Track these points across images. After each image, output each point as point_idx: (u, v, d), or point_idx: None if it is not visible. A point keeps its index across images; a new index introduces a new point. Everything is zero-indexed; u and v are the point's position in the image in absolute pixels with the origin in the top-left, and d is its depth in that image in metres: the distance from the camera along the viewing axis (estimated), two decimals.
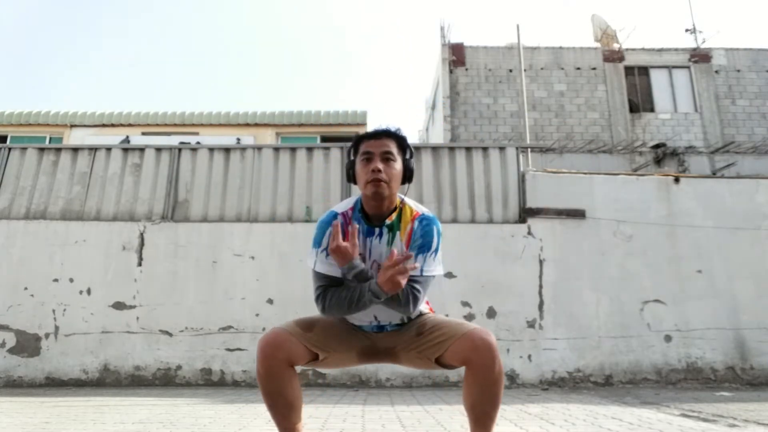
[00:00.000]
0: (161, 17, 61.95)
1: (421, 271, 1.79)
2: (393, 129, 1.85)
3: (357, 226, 1.79)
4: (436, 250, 1.84)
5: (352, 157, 1.90)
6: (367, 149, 1.82)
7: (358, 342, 1.93)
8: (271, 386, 1.75)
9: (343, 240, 1.74)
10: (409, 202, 1.93)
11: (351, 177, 1.90)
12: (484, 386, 1.70)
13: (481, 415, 1.72)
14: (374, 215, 1.85)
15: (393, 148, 1.83)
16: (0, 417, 3.45)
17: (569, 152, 11.07)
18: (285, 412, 1.78)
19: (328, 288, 1.82)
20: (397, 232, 1.85)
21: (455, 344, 1.74)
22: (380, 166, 1.78)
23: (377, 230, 1.85)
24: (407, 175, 1.88)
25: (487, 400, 1.71)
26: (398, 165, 1.83)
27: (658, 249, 6.41)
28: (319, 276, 1.84)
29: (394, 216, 1.86)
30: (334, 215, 1.86)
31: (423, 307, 1.95)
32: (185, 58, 61.79)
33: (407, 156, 1.89)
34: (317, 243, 1.85)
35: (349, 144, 1.97)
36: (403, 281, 1.67)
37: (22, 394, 5.06)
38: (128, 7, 56.65)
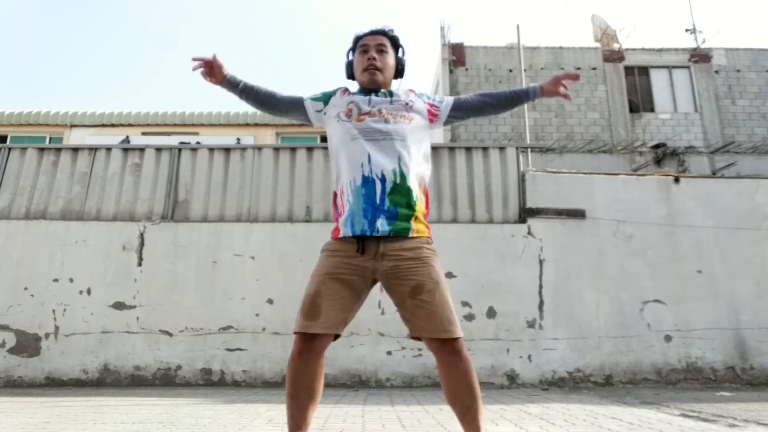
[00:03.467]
0: (161, 17, 62.00)
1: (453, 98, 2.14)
2: (387, 29, 2.06)
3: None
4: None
5: (351, 57, 2.09)
6: (364, 43, 2.04)
7: (358, 281, 1.84)
8: (302, 376, 1.78)
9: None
10: None
11: (350, 74, 2.09)
12: (452, 382, 1.77)
13: (464, 408, 1.77)
14: None
15: (387, 42, 2.04)
16: (0, 417, 3.45)
17: (569, 152, 11.07)
18: (303, 405, 1.79)
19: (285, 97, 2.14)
20: (395, 94, 2.02)
21: (425, 340, 1.82)
22: (375, 55, 2.00)
23: (374, 93, 2.02)
24: (399, 70, 2.09)
25: (463, 393, 1.76)
26: (391, 59, 2.05)
27: (658, 249, 6.41)
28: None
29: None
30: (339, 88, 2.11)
31: (422, 204, 1.92)
32: (186, 58, 61.86)
33: (400, 54, 2.10)
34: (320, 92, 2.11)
35: None
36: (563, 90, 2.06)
37: (22, 394, 5.06)
38: (128, 7, 56.67)
